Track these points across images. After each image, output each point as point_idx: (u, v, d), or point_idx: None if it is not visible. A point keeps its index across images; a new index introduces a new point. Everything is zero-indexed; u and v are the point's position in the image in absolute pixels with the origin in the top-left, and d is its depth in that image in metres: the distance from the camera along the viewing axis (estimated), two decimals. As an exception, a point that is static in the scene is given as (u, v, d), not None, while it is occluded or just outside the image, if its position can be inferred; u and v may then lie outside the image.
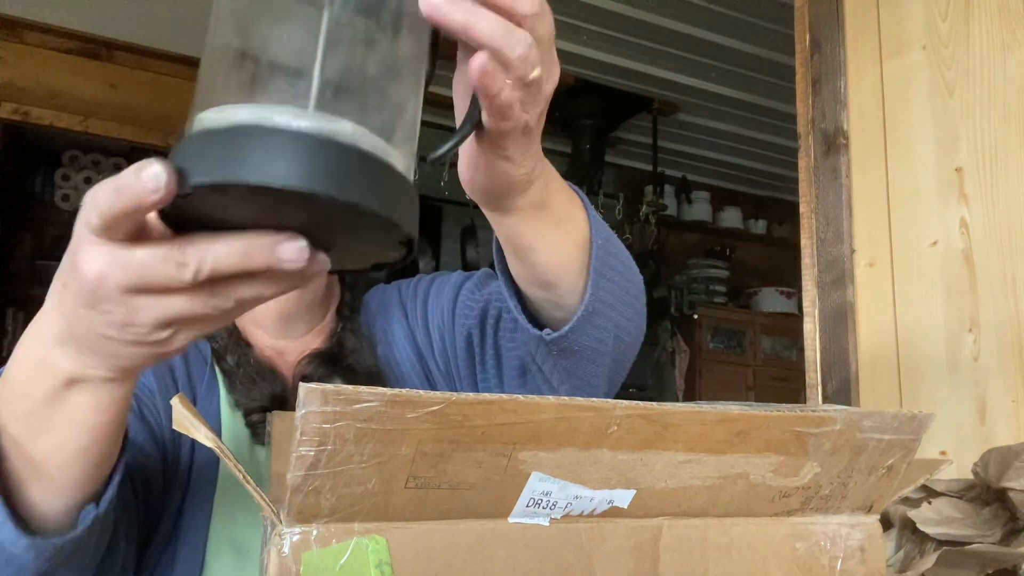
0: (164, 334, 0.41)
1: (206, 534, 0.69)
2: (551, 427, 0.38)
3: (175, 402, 0.40)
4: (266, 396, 0.73)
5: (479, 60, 0.42)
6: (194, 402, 0.78)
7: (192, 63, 3.19)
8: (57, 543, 0.49)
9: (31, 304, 3.59)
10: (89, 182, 3.69)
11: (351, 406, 0.33)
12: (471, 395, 0.35)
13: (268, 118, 0.35)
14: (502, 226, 0.57)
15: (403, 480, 0.37)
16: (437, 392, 0.35)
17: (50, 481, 0.49)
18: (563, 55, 3.38)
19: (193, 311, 0.40)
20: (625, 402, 0.39)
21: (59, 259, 0.47)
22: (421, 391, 0.34)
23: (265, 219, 0.37)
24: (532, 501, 0.40)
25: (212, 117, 0.36)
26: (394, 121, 0.39)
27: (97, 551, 0.56)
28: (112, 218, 0.37)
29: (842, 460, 0.46)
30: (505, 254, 0.61)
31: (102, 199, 0.37)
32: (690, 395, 4.22)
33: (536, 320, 0.64)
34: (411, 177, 0.39)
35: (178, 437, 0.70)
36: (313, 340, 0.81)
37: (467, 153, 0.50)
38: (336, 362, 0.78)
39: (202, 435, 0.38)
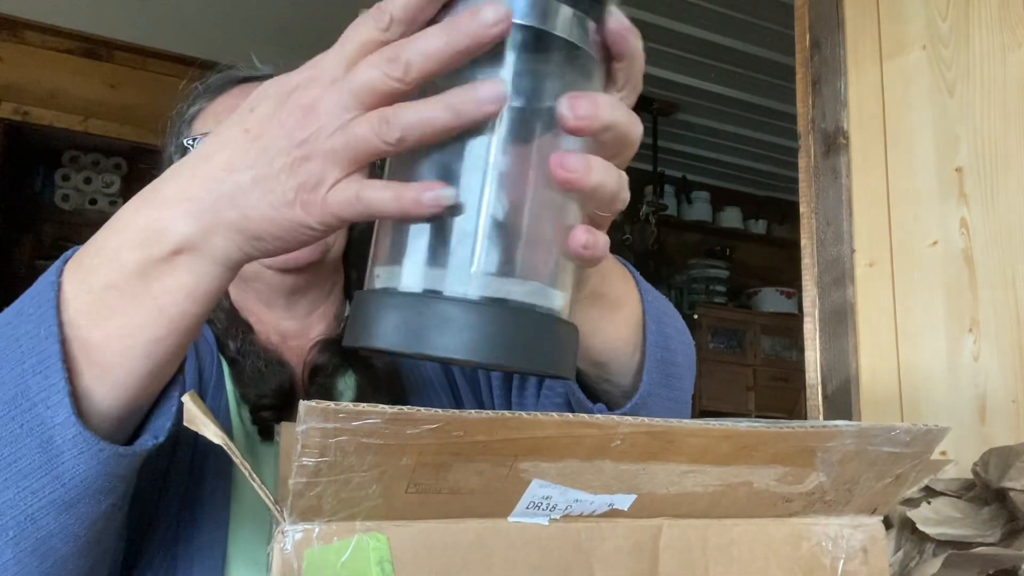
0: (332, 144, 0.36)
1: (224, 550, 0.63)
2: (553, 442, 0.38)
3: (186, 399, 0.40)
4: (273, 390, 0.71)
5: (585, 238, 0.38)
6: (204, 399, 0.77)
7: (192, 63, 3.18)
8: (107, 451, 0.41)
9: (31, 304, 3.58)
10: (89, 182, 3.68)
11: (351, 423, 0.34)
12: (472, 412, 0.36)
13: (438, 288, 0.37)
14: None
15: (404, 486, 0.37)
16: (439, 411, 0.35)
17: (104, 371, 0.41)
18: (563, 55, 3.39)
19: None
20: (629, 418, 0.39)
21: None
22: (421, 408, 0.35)
23: None
24: (532, 504, 0.40)
25: (386, 278, 0.39)
26: (557, 261, 0.39)
27: (119, 514, 0.47)
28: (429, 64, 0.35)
29: (849, 470, 0.46)
30: None
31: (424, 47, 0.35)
32: (690, 395, 4.22)
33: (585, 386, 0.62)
34: (568, 310, 0.40)
35: (184, 441, 0.65)
36: (316, 322, 0.78)
37: None
38: (348, 351, 0.73)
39: (211, 432, 0.38)
